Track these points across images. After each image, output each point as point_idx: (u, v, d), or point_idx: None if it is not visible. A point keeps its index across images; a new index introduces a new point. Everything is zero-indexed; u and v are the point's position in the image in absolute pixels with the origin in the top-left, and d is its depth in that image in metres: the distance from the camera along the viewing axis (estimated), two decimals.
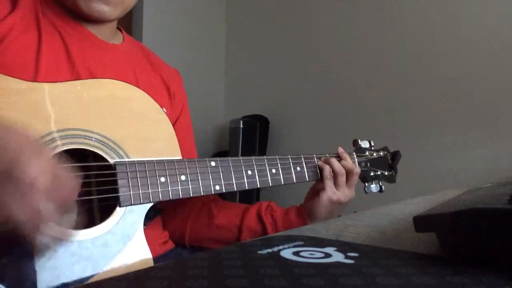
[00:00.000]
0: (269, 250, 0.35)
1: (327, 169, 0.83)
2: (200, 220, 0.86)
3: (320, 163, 0.85)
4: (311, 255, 0.34)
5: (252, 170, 0.75)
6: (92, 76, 0.70)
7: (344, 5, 2.52)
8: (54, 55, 0.68)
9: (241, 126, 2.72)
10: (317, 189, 0.85)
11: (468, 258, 0.32)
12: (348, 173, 0.85)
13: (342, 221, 0.54)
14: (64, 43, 0.70)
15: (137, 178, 0.62)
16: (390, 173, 0.99)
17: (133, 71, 0.79)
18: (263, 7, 2.99)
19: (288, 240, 0.39)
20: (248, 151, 2.68)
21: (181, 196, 0.66)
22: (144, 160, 0.63)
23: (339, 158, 0.87)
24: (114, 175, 0.60)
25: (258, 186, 0.75)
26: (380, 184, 0.97)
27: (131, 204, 0.61)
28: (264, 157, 0.78)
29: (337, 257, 0.34)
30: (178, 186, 0.65)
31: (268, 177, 0.77)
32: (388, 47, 2.30)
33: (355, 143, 0.97)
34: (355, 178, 0.86)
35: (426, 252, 0.37)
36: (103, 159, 0.61)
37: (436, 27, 2.12)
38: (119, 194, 0.60)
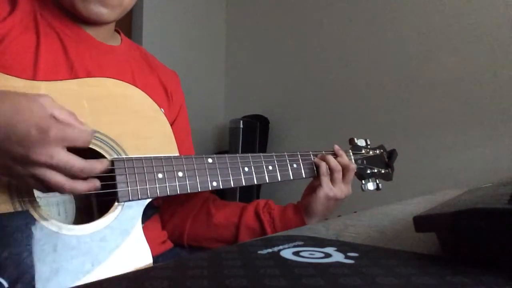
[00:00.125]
0: (269, 250, 0.35)
1: (323, 166, 0.84)
2: (199, 219, 0.86)
3: (316, 160, 0.86)
4: (311, 255, 0.34)
5: (249, 167, 0.76)
6: (90, 76, 0.70)
7: (344, 5, 2.52)
8: (53, 56, 0.68)
9: (241, 126, 2.72)
10: (314, 186, 0.86)
11: (468, 258, 0.32)
12: (344, 169, 0.86)
13: (342, 221, 0.54)
14: (62, 45, 0.71)
15: (135, 174, 0.63)
16: (387, 171, 1.00)
17: (131, 72, 0.79)
18: (263, 7, 2.99)
19: (288, 240, 0.39)
20: (248, 151, 2.67)
21: (178, 192, 0.66)
22: (141, 157, 0.64)
23: (335, 155, 0.88)
24: (112, 171, 0.61)
25: (255, 183, 0.76)
26: (377, 182, 0.98)
27: (129, 200, 0.62)
28: (261, 154, 0.79)
29: (337, 257, 0.34)
30: (176, 182, 0.66)
31: (265, 173, 0.77)
32: (389, 47, 2.30)
33: (351, 141, 0.98)
34: (351, 174, 0.87)
35: (426, 252, 0.37)
36: (101, 155, 0.62)
37: (436, 27, 2.12)
38: (117, 189, 0.61)
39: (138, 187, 0.63)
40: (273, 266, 0.31)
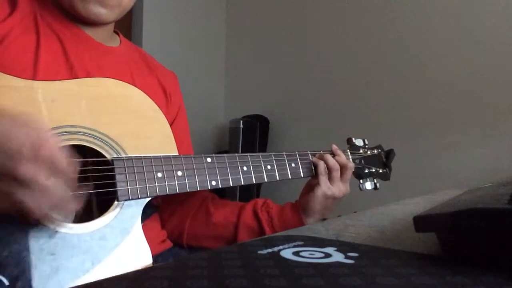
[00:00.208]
0: (269, 250, 0.35)
1: (321, 165, 0.84)
2: (198, 218, 0.87)
3: (314, 159, 0.86)
4: (311, 255, 0.34)
5: (248, 166, 0.76)
6: (90, 77, 0.70)
7: (344, 5, 2.52)
8: (52, 57, 0.69)
9: (241, 126, 2.72)
10: (312, 184, 0.86)
11: (468, 258, 0.32)
12: (342, 168, 0.86)
13: (342, 221, 0.54)
14: (62, 45, 0.71)
15: (135, 173, 0.63)
16: (385, 170, 1.00)
17: (130, 73, 0.80)
18: (263, 7, 2.99)
19: (288, 240, 0.39)
20: (248, 151, 2.65)
21: (178, 191, 0.67)
22: (141, 156, 0.65)
23: (333, 154, 0.88)
24: (112, 170, 0.62)
25: (254, 182, 0.76)
26: (375, 181, 0.98)
27: (129, 199, 0.62)
28: (260, 153, 0.79)
29: (337, 257, 0.34)
30: (175, 181, 0.67)
31: (263, 173, 0.78)
32: (389, 47, 2.30)
33: (349, 141, 0.98)
34: (349, 173, 0.88)
35: (426, 252, 0.37)
36: (101, 155, 0.62)
37: (437, 27, 2.12)
38: (117, 188, 0.61)
39: (138, 186, 0.63)
40: (273, 266, 0.31)
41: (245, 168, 0.76)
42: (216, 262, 0.32)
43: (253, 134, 2.75)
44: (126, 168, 0.63)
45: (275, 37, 2.89)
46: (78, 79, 0.66)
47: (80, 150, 0.60)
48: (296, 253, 0.35)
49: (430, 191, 0.87)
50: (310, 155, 0.87)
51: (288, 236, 0.42)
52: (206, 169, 0.71)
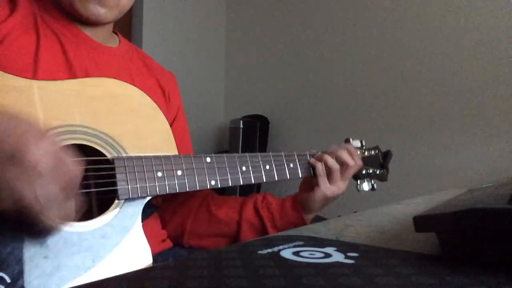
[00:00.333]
0: (269, 250, 0.35)
1: (319, 167, 0.84)
2: (200, 217, 0.87)
3: (312, 160, 0.86)
4: (311, 255, 0.34)
5: (247, 167, 0.76)
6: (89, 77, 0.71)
7: (343, 6, 2.52)
8: (52, 57, 0.69)
9: (241, 126, 2.72)
10: (310, 183, 0.86)
11: (468, 258, 0.32)
12: (343, 165, 0.86)
13: (342, 221, 0.54)
14: (61, 46, 0.71)
15: (135, 172, 0.64)
16: (382, 171, 1.00)
17: (129, 73, 0.80)
18: (263, 7, 2.99)
19: (288, 240, 0.39)
20: (248, 151, 2.65)
21: (177, 190, 0.67)
22: (141, 156, 0.65)
23: (333, 153, 0.87)
24: (113, 169, 0.62)
25: (253, 182, 0.77)
26: (372, 182, 0.98)
27: (129, 198, 0.63)
28: (258, 153, 0.80)
29: (337, 257, 0.34)
30: (175, 181, 0.67)
31: (262, 173, 0.78)
32: (389, 47, 2.30)
33: (347, 141, 0.98)
34: (352, 171, 0.87)
35: (426, 252, 0.37)
36: (101, 154, 0.63)
37: (436, 27, 2.12)
38: (118, 187, 0.62)
39: (138, 185, 0.63)
40: (273, 266, 0.31)
41: (244, 168, 0.76)
42: (216, 262, 0.32)
43: (253, 134, 2.75)
44: (126, 167, 0.63)
45: (275, 37, 2.89)
46: (79, 79, 0.66)
47: (81, 149, 0.60)
48: (296, 253, 0.35)
49: (430, 191, 0.87)
50: (308, 155, 0.87)
51: (288, 236, 0.42)
52: (205, 169, 0.71)
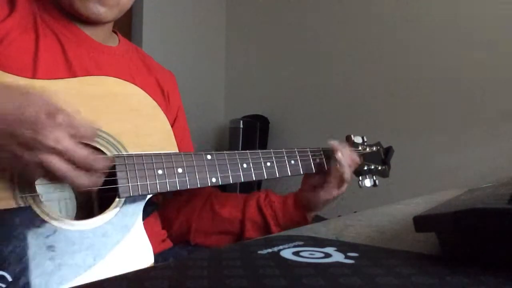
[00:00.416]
0: (269, 250, 0.35)
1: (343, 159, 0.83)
2: (204, 215, 0.88)
3: (339, 155, 0.83)
4: (311, 255, 0.34)
5: (247, 164, 0.76)
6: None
7: (344, 5, 2.52)
8: (52, 57, 0.69)
9: (241, 126, 2.72)
10: (312, 181, 0.86)
11: (468, 258, 0.32)
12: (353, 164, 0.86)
13: (342, 221, 0.54)
14: (61, 45, 0.71)
15: (135, 170, 0.64)
16: (384, 167, 1.00)
17: (129, 72, 0.80)
18: (263, 7, 2.99)
19: (288, 240, 0.39)
20: None
21: (178, 188, 0.67)
22: (142, 154, 0.65)
23: (333, 152, 0.86)
24: (113, 167, 0.62)
25: (254, 179, 0.77)
26: (374, 178, 0.98)
27: (130, 196, 0.63)
28: (259, 151, 0.79)
29: (337, 257, 0.34)
30: (176, 178, 0.67)
31: (263, 170, 0.78)
32: (389, 47, 2.30)
33: (348, 138, 0.98)
34: (354, 167, 0.88)
35: (426, 252, 0.37)
36: (102, 152, 0.63)
37: (436, 27, 2.12)
38: (118, 185, 0.61)
39: (139, 183, 0.63)
40: (273, 266, 0.31)
41: (244, 165, 0.76)
42: (216, 262, 0.32)
43: (253, 134, 2.75)
44: (127, 165, 0.63)
45: (275, 37, 2.89)
46: (79, 77, 0.67)
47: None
48: (296, 253, 0.35)
49: (430, 191, 0.86)
50: (309, 152, 0.87)
51: (288, 236, 0.42)
52: (206, 166, 0.71)
